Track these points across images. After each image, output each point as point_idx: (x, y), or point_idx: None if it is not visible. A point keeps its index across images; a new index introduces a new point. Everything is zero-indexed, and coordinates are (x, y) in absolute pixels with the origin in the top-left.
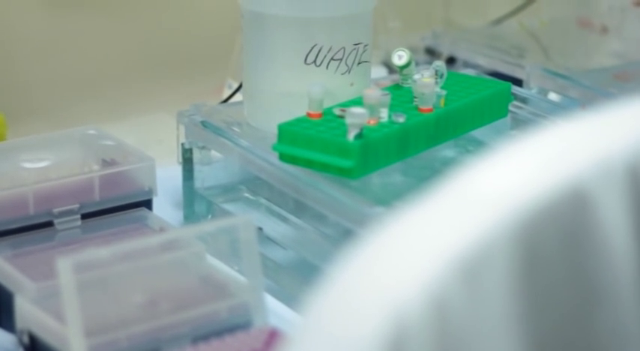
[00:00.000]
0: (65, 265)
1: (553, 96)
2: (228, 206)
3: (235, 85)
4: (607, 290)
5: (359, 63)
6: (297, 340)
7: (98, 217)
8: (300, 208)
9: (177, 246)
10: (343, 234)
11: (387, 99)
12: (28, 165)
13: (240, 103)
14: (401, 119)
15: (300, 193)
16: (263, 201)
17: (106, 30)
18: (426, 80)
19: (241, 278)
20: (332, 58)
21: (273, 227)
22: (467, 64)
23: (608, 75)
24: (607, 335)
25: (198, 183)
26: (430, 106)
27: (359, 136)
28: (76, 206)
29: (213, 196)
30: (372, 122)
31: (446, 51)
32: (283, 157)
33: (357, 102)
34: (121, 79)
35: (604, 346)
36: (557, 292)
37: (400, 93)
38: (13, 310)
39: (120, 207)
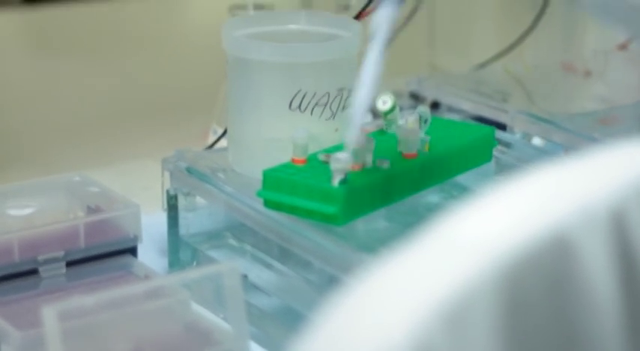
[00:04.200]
0: (50, 313)
1: (537, 141)
2: (213, 253)
3: (220, 131)
4: (591, 337)
5: (343, 108)
6: None
7: (83, 264)
8: (285, 255)
9: (162, 293)
10: (328, 281)
11: (372, 144)
12: (12, 212)
13: (225, 149)
14: (385, 165)
15: (285, 239)
16: (248, 248)
17: (91, 76)
18: (410, 125)
19: (226, 326)
20: (316, 104)
21: (258, 274)
22: (451, 109)
23: (592, 119)
24: None
25: (183, 230)
26: (414, 152)
27: (343, 181)
28: (60, 253)
29: (198, 243)
30: (356, 168)
31: (430, 96)
32: (268, 204)
33: (342, 147)
34: (106, 125)
35: None
36: (541, 339)
37: (384, 138)
38: None
39: (105, 254)
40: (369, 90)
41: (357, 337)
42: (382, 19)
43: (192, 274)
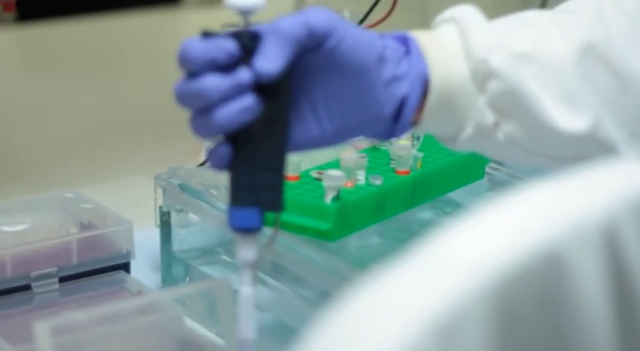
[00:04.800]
0: (43, 329)
1: None
2: (205, 269)
3: None
4: None
5: None
6: None
7: (76, 280)
8: (277, 271)
9: (155, 309)
10: (321, 296)
11: (364, 161)
12: (5, 228)
13: None
14: (378, 181)
15: (277, 255)
16: None
17: (84, 94)
18: (402, 142)
19: (219, 341)
20: None
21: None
22: None
23: None
24: None
25: (176, 246)
26: (407, 169)
27: (336, 198)
28: (53, 269)
29: (191, 259)
30: (349, 184)
31: None
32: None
33: (334, 164)
34: (100, 142)
35: None
36: None
37: (377, 155)
38: None
39: (98, 270)
40: (251, 320)
41: None
42: (244, 253)
43: (185, 289)
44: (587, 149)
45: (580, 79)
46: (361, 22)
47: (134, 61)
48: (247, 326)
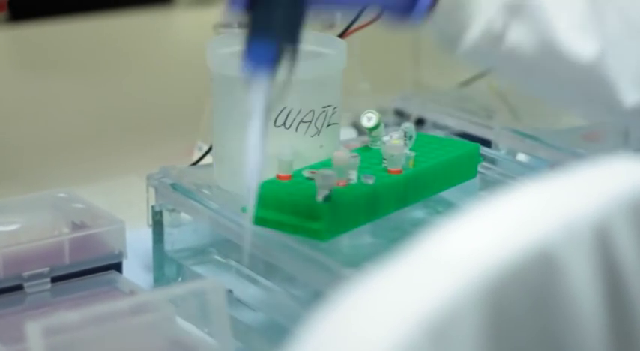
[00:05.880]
0: (34, 329)
1: (522, 157)
2: (198, 268)
3: (205, 148)
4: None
5: (328, 125)
6: None
7: (68, 280)
8: (270, 270)
9: (147, 309)
10: (313, 295)
11: (356, 161)
12: None
13: (210, 165)
14: (370, 181)
15: (270, 254)
16: (233, 263)
17: (76, 94)
18: (395, 142)
19: (211, 340)
20: (301, 121)
21: (243, 289)
22: (436, 126)
23: (576, 135)
24: None
25: (168, 245)
26: (399, 168)
27: (328, 198)
28: (46, 269)
29: (184, 259)
30: (341, 184)
31: (415, 112)
32: (253, 220)
33: (327, 164)
34: (92, 142)
35: None
36: None
37: (369, 155)
38: None
39: (90, 270)
40: (258, 167)
41: None
42: (256, 97)
43: (177, 289)
44: (586, 87)
45: (592, 15)
46: (354, 21)
47: (126, 61)
48: (253, 175)
